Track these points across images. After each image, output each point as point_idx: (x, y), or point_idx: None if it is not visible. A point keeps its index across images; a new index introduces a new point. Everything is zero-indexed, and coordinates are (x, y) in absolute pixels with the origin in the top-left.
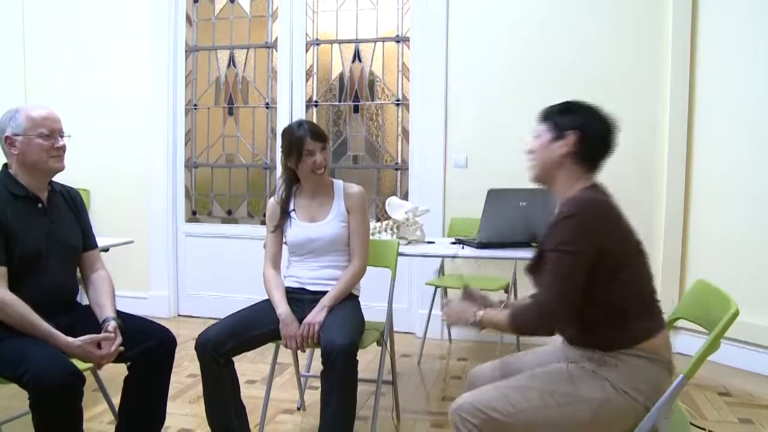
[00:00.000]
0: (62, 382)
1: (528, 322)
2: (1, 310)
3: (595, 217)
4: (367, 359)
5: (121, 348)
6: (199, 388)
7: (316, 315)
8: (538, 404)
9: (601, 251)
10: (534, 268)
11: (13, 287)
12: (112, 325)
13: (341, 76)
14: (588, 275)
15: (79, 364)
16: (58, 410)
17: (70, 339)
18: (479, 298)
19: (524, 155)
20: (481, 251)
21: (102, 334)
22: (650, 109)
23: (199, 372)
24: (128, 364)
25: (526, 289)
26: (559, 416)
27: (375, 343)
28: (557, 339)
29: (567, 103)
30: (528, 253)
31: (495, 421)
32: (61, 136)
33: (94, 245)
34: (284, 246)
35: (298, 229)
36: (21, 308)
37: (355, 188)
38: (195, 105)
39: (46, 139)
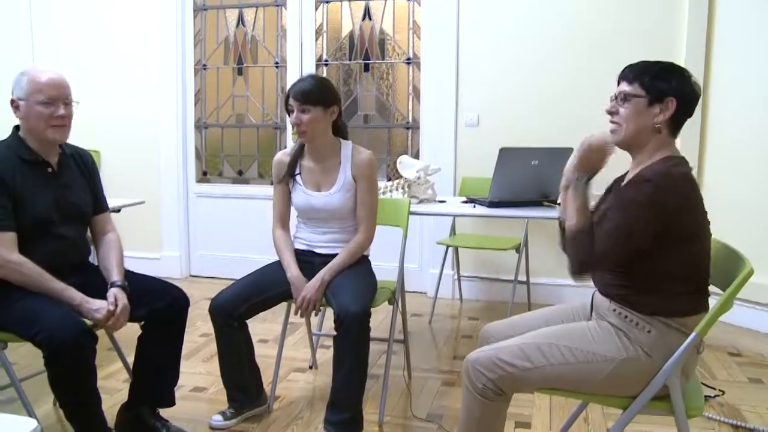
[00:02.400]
0: (74, 339)
1: (578, 250)
2: (16, 271)
3: (675, 190)
4: (379, 318)
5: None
6: (212, 348)
7: (315, 291)
8: (557, 361)
9: (667, 223)
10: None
11: (23, 250)
12: (110, 296)
13: (351, 35)
14: (652, 241)
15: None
16: (71, 367)
17: (82, 295)
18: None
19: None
20: (493, 210)
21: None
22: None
23: (211, 331)
24: (141, 323)
25: (537, 248)
26: (576, 373)
27: (386, 303)
28: (575, 299)
29: (664, 64)
30: (540, 212)
31: (511, 376)
32: (66, 104)
33: (105, 208)
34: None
35: (302, 196)
36: (34, 269)
37: (363, 156)
38: (204, 65)
39: (46, 107)
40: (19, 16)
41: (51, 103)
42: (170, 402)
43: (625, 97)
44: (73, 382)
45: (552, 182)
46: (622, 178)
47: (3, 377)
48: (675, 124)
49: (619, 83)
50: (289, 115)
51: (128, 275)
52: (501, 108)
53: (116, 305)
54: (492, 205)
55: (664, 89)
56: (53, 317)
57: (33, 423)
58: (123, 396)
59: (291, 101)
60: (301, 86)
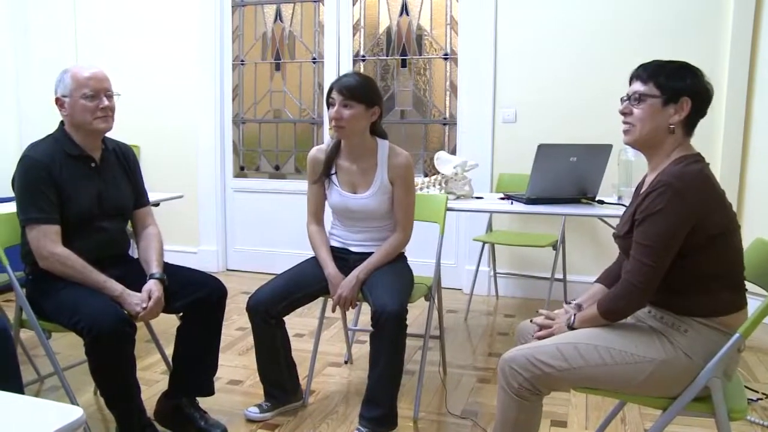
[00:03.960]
0: (113, 328)
1: (623, 309)
2: (60, 263)
3: (694, 189)
4: (414, 314)
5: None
6: (248, 341)
7: (350, 289)
8: (594, 361)
9: (696, 222)
10: (624, 236)
11: (67, 243)
12: (145, 289)
13: (388, 30)
14: (682, 241)
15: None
16: (111, 355)
17: (122, 287)
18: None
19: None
20: (530, 207)
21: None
22: (709, 60)
23: (247, 325)
24: (180, 314)
25: (574, 245)
26: (614, 374)
27: (422, 299)
28: None
29: (678, 63)
30: (577, 209)
31: (547, 376)
32: (109, 96)
33: (146, 202)
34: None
35: (338, 197)
36: (77, 261)
37: (400, 158)
38: (242, 60)
39: (91, 100)
40: (64, 13)
41: (95, 95)
42: (210, 391)
43: (639, 98)
44: (112, 370)
45: (590, 179)
46: (642, 183)
47: (47, 366)
48: (689, 124)
49: (631, 82)
50: (328, 108)
51: (168, 267)
52: (539, 104)
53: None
54: (530, 201)
55: (680, 89)
56: (94, 307)
57: (79, 411)
58: (161, 387)
59: (334, 94)
60: (346, 81)
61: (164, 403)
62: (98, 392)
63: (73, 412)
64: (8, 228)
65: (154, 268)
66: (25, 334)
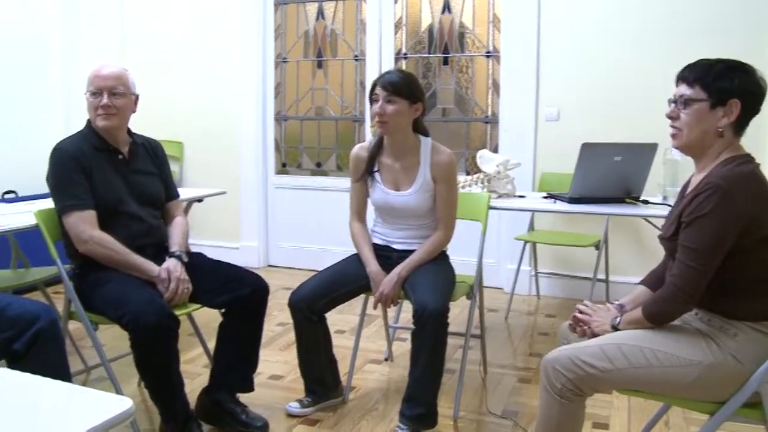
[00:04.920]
0: (158, 322)
1: (668, 313)
2: (99, 245)
3: (743, 191)
4: (455, 313)
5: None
6: (289, 337)
7: (392, 287)
8: (639, 363)
9: (745, 225)
10: (670, 238)
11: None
12: (163, 267)
13: (430, 28)
14: (731, 244)
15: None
16: (155, 348)
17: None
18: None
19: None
20: (574, 206)
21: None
22: (758, 56)
23: (288, 321)
24: (222, 310)
25: (618, 246)
26: (659, 376)
27: (463, 297)
28: None
29: (725, 62)
30: (621, 209)
31: (591, 377)
32: (114, 95)
33: (176, 196)
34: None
35: (381, 194)
36: (115, 243)
37: (443, 156)
38: (284, 58)
39: (94, 97)
40: (111, 12)
41: (98, 93)
42: (249, 387)
43: (685, 102)
44: (156, 363)
45: (635, 178)
46: (687, 184)
47: (94, 357)
48: (740, 125)
49: (677, 84)
50: (371, 105)
51: (211, 263)
52: (582, 102)
53: (169, 277)
54: (573, 201)
55: (728, 91)
56: (139, 301)
57: (128, 402)
58: (203, 381)
59: (377, 90)
60: (389, 77)
61: (205, 398)
62: (143, 384)
63: (124, 403)
64: (58, 223)
65: (174, 246)
66: (72, 326)
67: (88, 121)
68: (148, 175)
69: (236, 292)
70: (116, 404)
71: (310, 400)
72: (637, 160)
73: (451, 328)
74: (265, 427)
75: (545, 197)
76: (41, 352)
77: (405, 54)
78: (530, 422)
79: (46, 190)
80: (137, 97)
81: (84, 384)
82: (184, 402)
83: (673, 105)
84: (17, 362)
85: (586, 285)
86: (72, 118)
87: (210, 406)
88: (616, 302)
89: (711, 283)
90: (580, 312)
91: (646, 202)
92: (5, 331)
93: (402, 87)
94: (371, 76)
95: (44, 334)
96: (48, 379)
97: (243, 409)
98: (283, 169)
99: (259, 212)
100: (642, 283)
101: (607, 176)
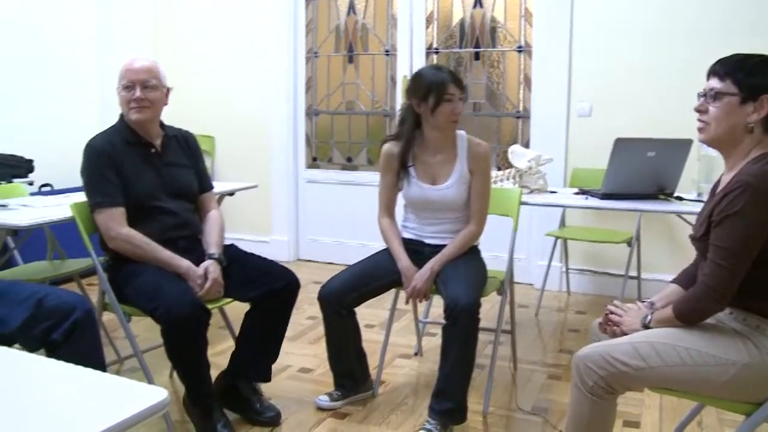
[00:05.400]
0: (190, 314)
1: (699, 312)
2: (127, 242)
3: None
4: (485, 308)
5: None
6: (319, 330)
7: (425, 282)
8: (672, 361)
9: None
10: (700, 238)
11: (137, 227)
12: (202, 266)
13: (462, 23)
14: (764, 242)
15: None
16: (186, 339)
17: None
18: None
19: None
20: (606, 202)
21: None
22: None
23: (318, 314)
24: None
25: (650, 243)
26: (693, 375)
27: (494, 293)
28: None
29: (759, 57)
30: (655, 206)
31: (623, 375)
32: (147, 88)
33: (209, 187)
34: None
35: (417, 189)
36: (143, 239)
37: (480, 148)
38: (315, 53)
39: (127, 91)
40: (144, 8)
41: (131, 86)
42: (266, 377)
43: (715, 95)
44: (187, 354)
45: (669, 174)
46: (718, 183)
47: (127, 348)
48: None
49: (708, 78)
50: (438, 105)
51: (243, 256)
52: (615, 98)
53: (206, 277)
54: (605, 197)
55: (760, 86)
56: (172, 294)
57: (163, 392)
58: None
59: (453, 90)
60: (455, 74)
61: (222, 381)
62: (174, 375)
63: (159, 393)
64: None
65: (213, 249)
66: (106, 317)
67: (121, 116)
68: (180, 168)
69: (268, 286)
70: (152, 395)
71: (339, 393)
72: (672, 155)
73: (481, 324)
74: (277, 417)
75: (577, 193)
76: (78, 342)
77: (436, 49)
78: (560, 419)
79: (80, 183)
80: (169, 89)
81: (117, 374)
82: (209, 384)
83: (702, 98)
84: (55, 351)
85: (618, 282)
86: (106, 112)
87: (227, 389)
88: (647, 300)
89: (745, 281)
90: (611, 312)
91: (680, 198)
92: (44, 321)
93: (462, 83)
94: (402, 71)
95: (81, 324)
96: (87, 369)
97: (258, 398)
98: (313, 163)
99: (289, 206)
100: (674, 281)
101: (641, 172)
